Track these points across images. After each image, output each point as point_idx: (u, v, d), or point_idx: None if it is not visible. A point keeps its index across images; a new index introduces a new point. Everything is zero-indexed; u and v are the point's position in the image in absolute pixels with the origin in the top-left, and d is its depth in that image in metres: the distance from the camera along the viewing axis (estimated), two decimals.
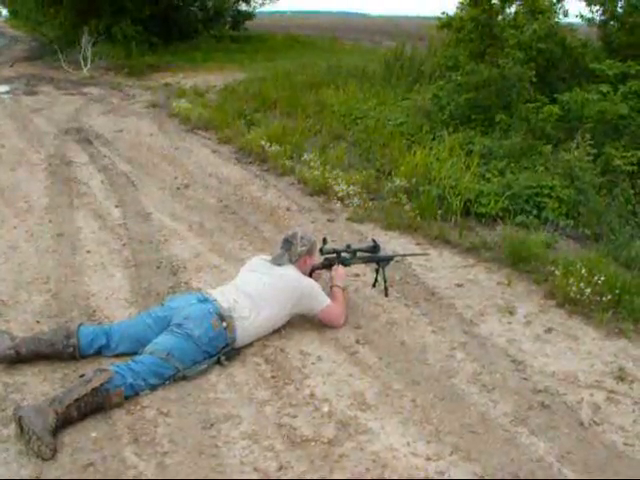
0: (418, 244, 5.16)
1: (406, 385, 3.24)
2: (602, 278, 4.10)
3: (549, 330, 3.85)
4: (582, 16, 8.99)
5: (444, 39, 10.70)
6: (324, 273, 4.11)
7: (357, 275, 4.54)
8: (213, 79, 14.55)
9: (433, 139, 7.32)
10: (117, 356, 3.34)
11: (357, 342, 3.64)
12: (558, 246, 5.04)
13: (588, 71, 8.16)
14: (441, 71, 9.70)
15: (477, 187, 5.73)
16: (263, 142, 7.87)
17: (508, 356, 3.55)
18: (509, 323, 3.93)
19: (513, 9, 9.38)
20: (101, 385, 2.90)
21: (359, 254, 4.19)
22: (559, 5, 9.28)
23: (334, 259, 4.09)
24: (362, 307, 4.08)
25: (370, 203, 5.99)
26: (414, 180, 6.05)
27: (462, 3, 9.66)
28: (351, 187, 6.18)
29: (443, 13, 9.99)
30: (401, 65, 11.85)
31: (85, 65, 16.60)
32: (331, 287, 3.94)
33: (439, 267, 4.74)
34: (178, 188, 6.58)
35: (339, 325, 3.79)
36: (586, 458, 2.75)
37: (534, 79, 7.64)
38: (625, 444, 2.85)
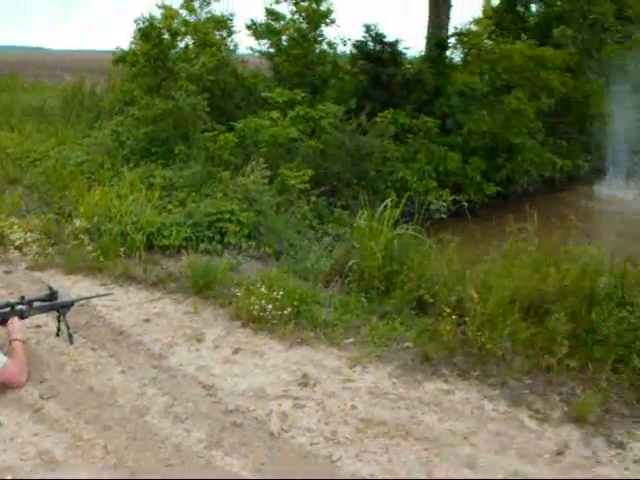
0: (103, 284, 5.04)
1: (97, 432, 3.14)
2: (281, 293, 4.35)
3: (237, 351, 3.99)
4: (252, 49, 9.63)
5: (122, 74, 10.67)
6: (0, 330, 3.81)
7: (39, 326, 4.26)
8: None
9: (114, 176, 7.21)
10: None
11: (42, 397, 3.44)
12: (242, 268, 5.26)
13: (261, 99, 8.73)
14: (120, 106, 9.64)
15: (159, 220, 5.75)
16: None
17: (199, 383, 3.60)
18: (198, 350, 3.99)
19: (184, 43, 9.68)
20: None
21: (36, 304, 3.97)
22: (229, 39, 9.83)
23: (9, 313, 3.82)
24: (46, 359, 3.86)
25: (51, 249, 5.70)
26: (95, 219, 5.88)
27: (135, 38, 9.73)
28: (29, 234, 5.83)
29: (117, 47, 9.97)
30: (81, 101, 11.55)
31: None
32: (10, 342, 3.67)
33: (125, 305, 4.67)
34: None
35: (21, 383, 3.54)
36: (278, 466, 2.90)
37: (207, 109, 7.93)
38: (312, 444, 3.07)
